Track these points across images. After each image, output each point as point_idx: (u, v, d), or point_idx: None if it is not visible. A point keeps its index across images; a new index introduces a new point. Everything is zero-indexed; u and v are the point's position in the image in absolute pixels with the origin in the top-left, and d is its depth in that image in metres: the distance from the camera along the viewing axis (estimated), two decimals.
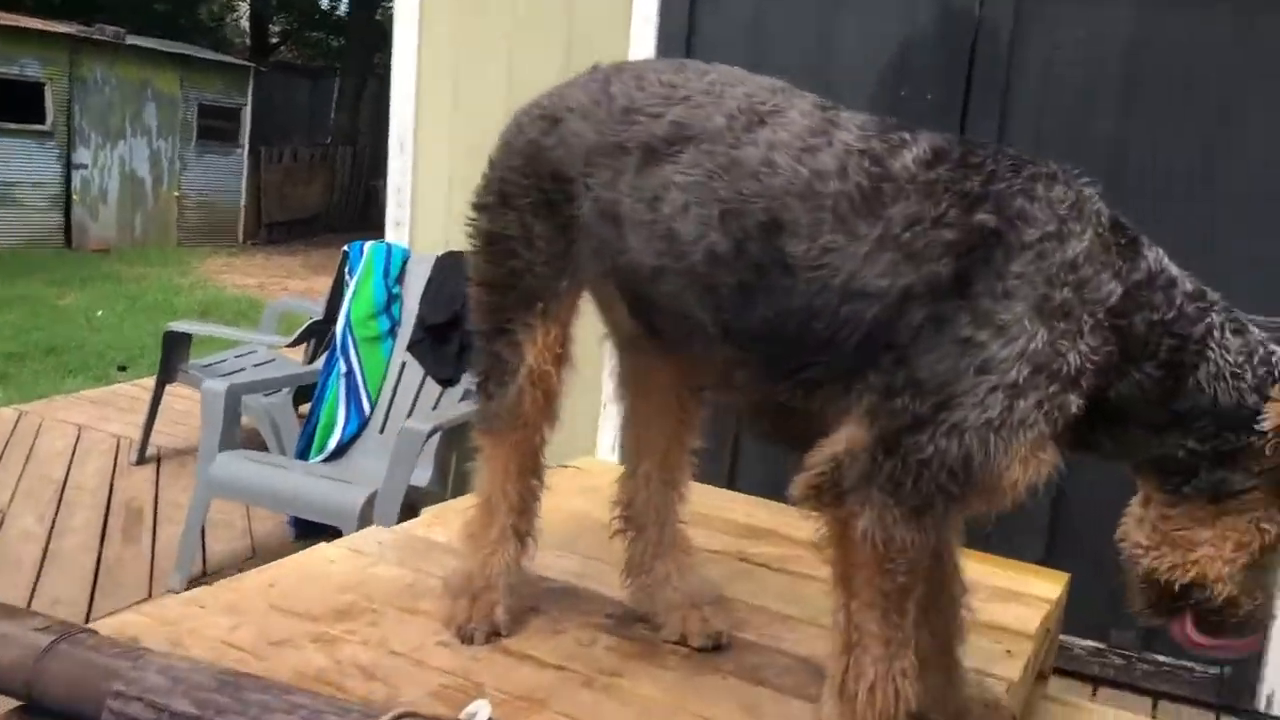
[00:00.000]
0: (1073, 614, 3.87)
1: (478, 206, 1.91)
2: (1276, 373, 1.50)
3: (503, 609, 1.90)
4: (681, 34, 4.28)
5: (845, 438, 1.54)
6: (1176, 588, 1.54)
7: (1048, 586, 2.35)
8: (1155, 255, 1.53)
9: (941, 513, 1.52)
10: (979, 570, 2.28)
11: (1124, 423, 1.53)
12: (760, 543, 2.44)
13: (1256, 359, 1.50)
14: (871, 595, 1.55)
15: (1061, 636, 3.87)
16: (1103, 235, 1.50)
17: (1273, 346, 1.53)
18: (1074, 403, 1.47)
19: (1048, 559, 3.74)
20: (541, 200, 1.82)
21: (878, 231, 1.51)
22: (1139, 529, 1.58)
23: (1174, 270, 1.54)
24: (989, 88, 3.85)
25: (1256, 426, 1.47)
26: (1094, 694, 3.87)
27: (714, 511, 2.62)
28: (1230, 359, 1.49)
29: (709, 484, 2.89)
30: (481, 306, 1.91)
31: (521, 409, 1.86)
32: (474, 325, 1.94)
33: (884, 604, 1.55)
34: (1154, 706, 3.83)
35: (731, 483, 4.08)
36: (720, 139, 1.64)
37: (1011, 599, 2.27)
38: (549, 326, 1.84)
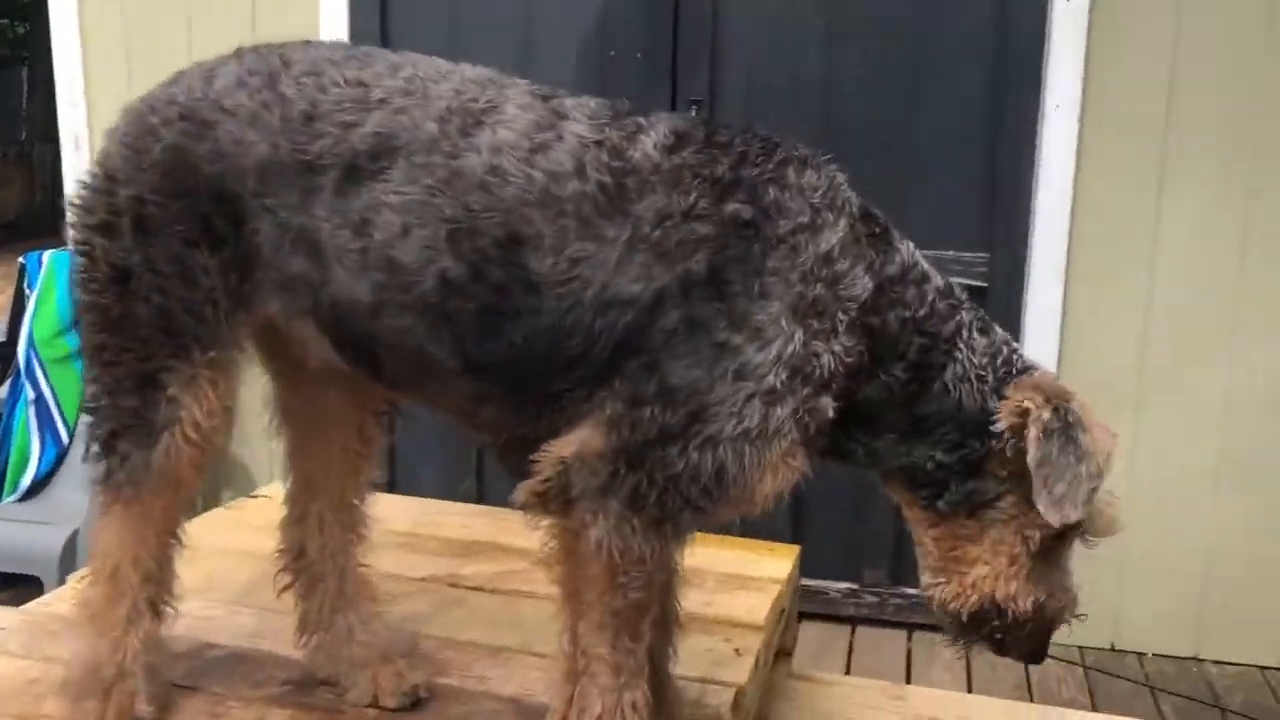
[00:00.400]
0: (826, 558, 3.92)
1: (94, 228, 1.53)
2: (1015, 370, 1.43)
3: (145, 699, 1.57)
4: (375, 3, 3.91)
5: (577, 441, 1.38)
6: (967, 616, 1.47)
7: (778, 565, 2.22)
8: (908, 248, 1.45)
9: (685, 524, 1.40)
10: (704, 556, 2.12)
11: (873, 428, 1.44)
12: (474, 561, 2.20)
13: (1000, 360, 1.43)
14: (602, 615, 1.40)
15: (816, 581, 3.89)
16: (855, 226, 1.41)
17: (1015, 345, 1.47)
18: (828, 406, 1.38)
19: (796, 505, 3.72)
20: (200, 226, 1.49)
21: (627, 232, 1.36)
22: (923, 562, 1.51)
23: (925, 264, 1.46)
24: (697, 41, 3.73)
25: (992, 428, 1.39)
26: (852, 634, 3.91)
27: (425, 529, 2.35)
28: (975, 360, 1.42)
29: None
30: (110, 354, 1.53)
31: (175, 471, 1.53)
32: (94, 375, 1.56)
33: (615, 625, 1.41)
34: (909, 638, 3.89)
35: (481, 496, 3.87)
36: (435, 148, 1.41)
37: (740, 586, 2.12)
38: (217, 376, 1.52)
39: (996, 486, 1.42)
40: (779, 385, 1.33)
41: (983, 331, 1.44)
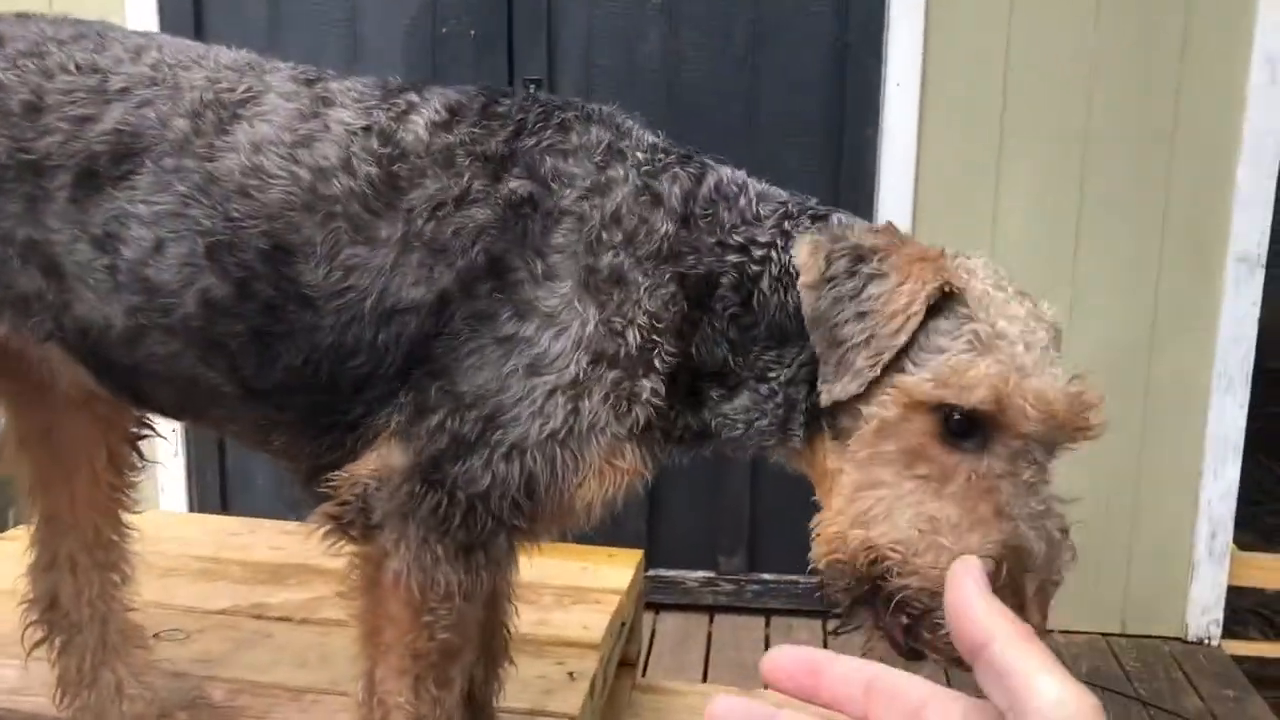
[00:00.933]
0: (681, 547, 3.81)
1: None
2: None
3: None
4: None
5: (375, 458, 1.20)
6: (825, 566, 1.06)
7: (619, 573, 2.06)
8: (730, 171, 1.24)
9: (501, 548, 1.21)
10: (539, 569, 1.94)
11: (723, 384, 1.19)
12: (283, 587, 1.96)
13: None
14: (402, 658, 1.22)
15: (673, 571, 3.78)
16: (645, 168, 1.21)
17: (869, 224, 1.18)
18: (647, 388, 1.17)
19: (650, 496, 3.59)
20: None
21: (400, 229, 1.19)
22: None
23: (753, 181, 1.24)
24: (533, 17, 3.53)
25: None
26: (710, 621, 3.81)
27: (229, 552, 2.10)
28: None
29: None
30: None
31: None
32: None
33: (418, 669, 1.22)
34: (767, 624, 3.82)
35: None
36: (187, 149, 1.21)
37: (577, 600, 1.95)
38: None
39: None
40: (581, 374, 1.14)
41: (817, 219, 1.18)
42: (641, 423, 1.18)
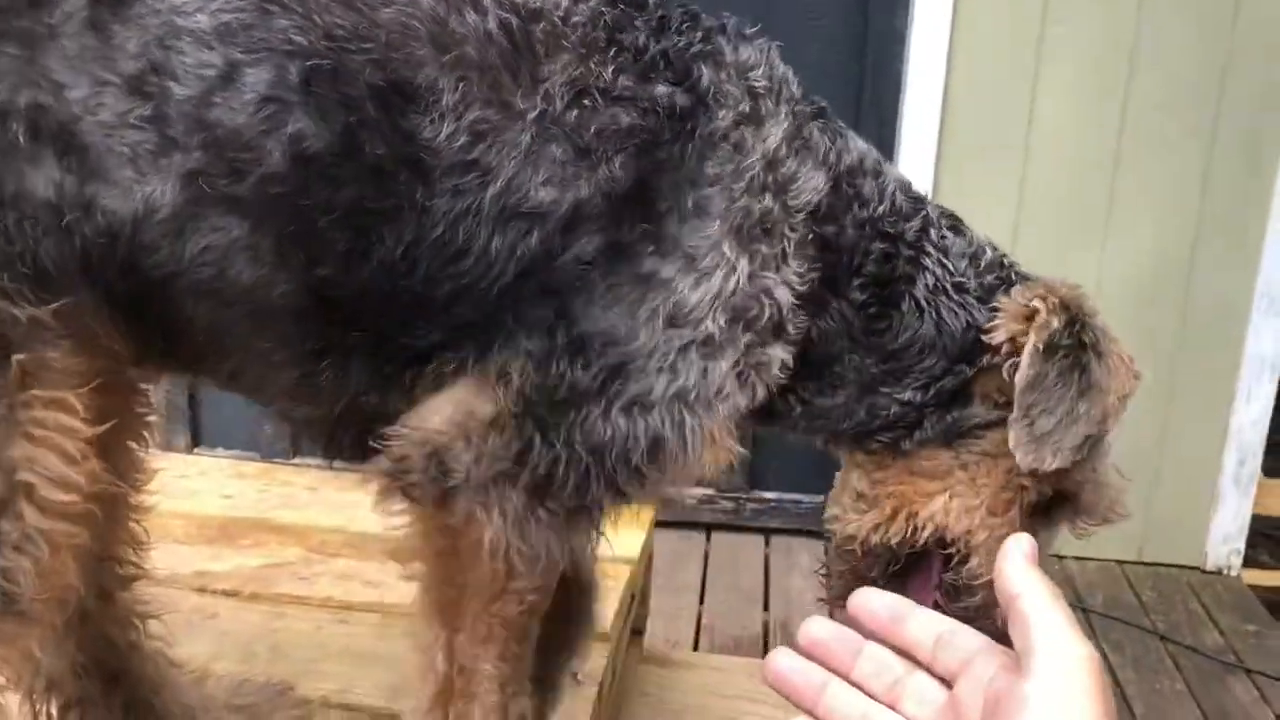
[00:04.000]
0: None
1: None
2: (1011, 277, 1.09)
3: None
4: None
5: (451, 406, 0.96)
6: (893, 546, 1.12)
7: (629, 538, 1.70)
8: (854, 137, 1.11)
9: (601, 514, 1.04)
10: None
11: (823, 379, 1.08)
12: (233, 550, 1.59)
13: (984, 263, 1.10)
14: (490, 627, 1.02)
15: None
16: (798, 112, 1.05)
17: (1001, 250, 1.13)
18: (778, 359, 1.03)
19: None
20: None
21: (537, 106, 0.93)
22: (838, 496, 1.17)
23: (874, 151, 1.12)
24: None
25: (985, 339, 1.06)
26: (708, 540, 3.57)
27: (171, 500, 1.69)
28: (951, 264, 1.08)
29: None
30: None
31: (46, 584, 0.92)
32: None
33: (504, 634, 1.03)
34: (766, 544, 3.56)
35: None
36: None
37: None
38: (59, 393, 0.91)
39: (986, 413, 1.08)
40: (718, 333, 0.97)
41: (956, 230, 1.11)
42: (759, 398, 1.02)
